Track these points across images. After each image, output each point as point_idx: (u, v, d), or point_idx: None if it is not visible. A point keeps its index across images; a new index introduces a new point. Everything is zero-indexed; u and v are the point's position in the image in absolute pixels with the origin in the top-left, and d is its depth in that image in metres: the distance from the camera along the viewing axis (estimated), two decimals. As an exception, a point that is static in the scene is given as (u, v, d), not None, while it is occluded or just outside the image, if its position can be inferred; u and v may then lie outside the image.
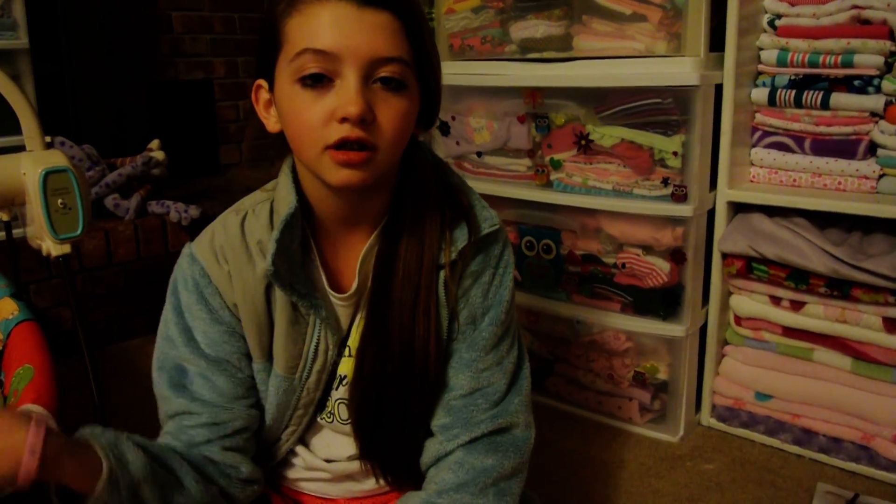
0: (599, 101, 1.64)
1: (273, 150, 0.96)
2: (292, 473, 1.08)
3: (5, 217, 1.58)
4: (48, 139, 1.54)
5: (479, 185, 1.84)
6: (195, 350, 0.95)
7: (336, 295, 0.97)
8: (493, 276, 0.99)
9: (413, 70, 0.85)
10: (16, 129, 1.57)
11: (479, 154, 1.89)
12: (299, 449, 1.06)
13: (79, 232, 1.46)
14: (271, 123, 0.91)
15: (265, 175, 1.02)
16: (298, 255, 0.94)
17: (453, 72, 1.91)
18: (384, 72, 0.82)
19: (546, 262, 1.81)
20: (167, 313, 0.98)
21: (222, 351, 0.95)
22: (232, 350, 0.96)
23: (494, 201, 1.84)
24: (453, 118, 1.91)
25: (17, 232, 1.79)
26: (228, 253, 0.94)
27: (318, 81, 0.81)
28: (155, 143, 2.57)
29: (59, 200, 1.43)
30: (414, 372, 0.95)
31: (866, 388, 1.54)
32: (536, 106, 1.73)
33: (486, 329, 0.98)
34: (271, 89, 0.88)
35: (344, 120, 0.80)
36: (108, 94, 2.74)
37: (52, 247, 1.44)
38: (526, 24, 1.76)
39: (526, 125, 1.77)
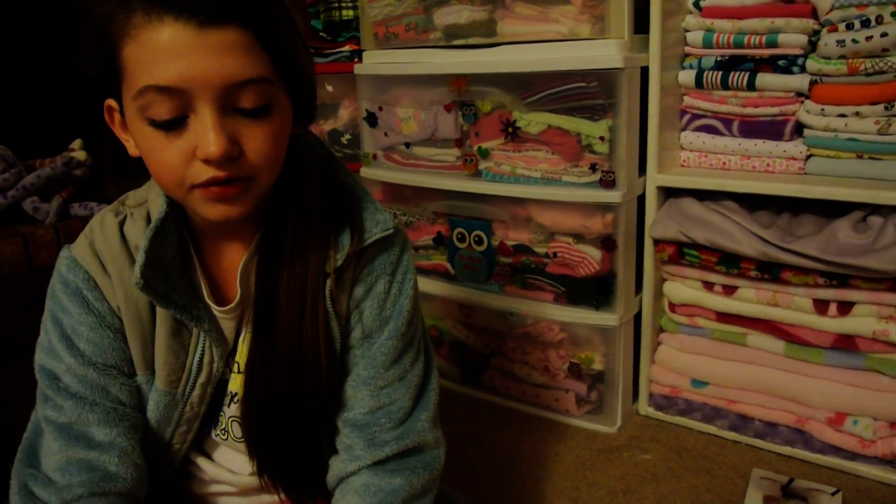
0: (525, 86, 1.60)
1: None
2: (199, 488, 1.02)
3: None
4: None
5: (408, 177, 1.80)
6: (79, 357, 0.89)
7: (217, 308, 0.91)
8: (389, 285, 0.94)
9: (278, 81, 0.78)
10: None
11: (407, 145, 1.83)
12: (201, 461, 1.00)
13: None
14: (130, 147, 0.83)
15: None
16: (177, 262, 0.88)
17: (378, 61, 1.85)
18: (244, 100, 0.74)
19: (478, 254, 1.76)
20: (46, 323, 0.91)
21: (111, 358, 0.89)
22: (121, 358, 0.90)
23: (424, 192, 1.81)
24: (381, 109, 1.85)
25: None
26: (108, 258, 0.88)
27: (170, 119, 0.73)
28: (77, 143, 2.45)
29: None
30: (306, 386, 0.89)
31: (799, 371, 1.52)
32: (462, 94, 1.68)
33: (385, 343, 0.93)
34: (122, 113, 0.80)
35: (207, 161, 0.74)
36: (28, 92, 2.62)
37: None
38: (449, 10, 1.71)
39: (453, 114, 1.72)
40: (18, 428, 1.40)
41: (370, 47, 1.89)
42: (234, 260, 0.92)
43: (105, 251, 0.88)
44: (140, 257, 0.83)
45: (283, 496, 0.98)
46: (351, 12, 1.98)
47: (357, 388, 0.93)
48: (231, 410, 0.96)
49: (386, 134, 1.86)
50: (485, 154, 1.69)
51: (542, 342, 1.71)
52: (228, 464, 1.00)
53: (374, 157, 1.91)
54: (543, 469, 1.55)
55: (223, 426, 0.97)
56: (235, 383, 0.95)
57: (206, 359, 0.91)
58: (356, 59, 1.95)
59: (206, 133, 0.73)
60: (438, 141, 1.78)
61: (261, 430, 0.92)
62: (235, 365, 0.95)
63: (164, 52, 0.71)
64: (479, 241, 1.75)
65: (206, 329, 0.89)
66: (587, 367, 1.68)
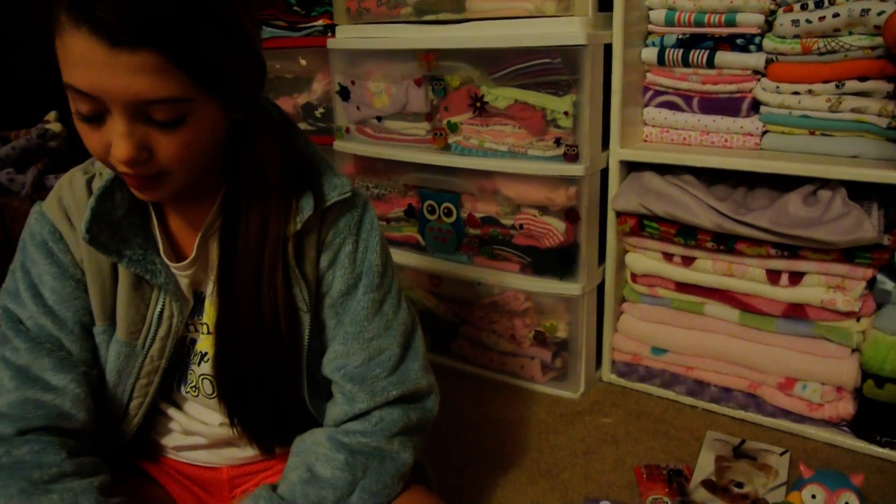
0: (492, 62, 1.64)
1: None
2: (170, 441, 1.07)
3: None
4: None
5: (380, 150, 1.84)
6: (42, 307, 0.94)
7: (174, 264, 0.96)
8: (355, 244, 0.99)
9: (199, 94, 0.78)
10: None
11: (378, 119, 1.87)
12: (173, 412, 1.05)
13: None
14: None
15: None
16: (134, 219, 0.93)
17: (351, 35, 1.88)
18: (155, 114, 0.76)
19: (447, 226, 1.81)
20: (15, 270, 0.97)
21: (71, 307, 0.95)
22: (82, 307, 0.95)
23: (396, 166, 1.85)
24: (353, 83, 1.89)
25: None
26: (74, 212, 0.93)
27: (91, 115, 0.77)
28: (52, 115, 2.47)
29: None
30: (266, 348, 0.94)
31: (753, 338, 1.59)
32: (432, 68, 1.72)
33: (363, 299, 0.99)
34: None
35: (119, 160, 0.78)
36: (1, 64, 2.62)
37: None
38: (421, -14, 1.74)
39: (423, 88, 1.76)
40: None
41: (343, 22, 1.91)
42: (194, 220, 0.96)
43: (72, 206, 0.93)
44: (86, 213, 0.88)
45: (255, 448, 1.03)
46: (324, -14, 2.00)
47: (346, 343, 0.98)
48: (202, 369, 1.00)
49: (358, 108, 1.90)
50: (454, 128, 1.73)
51: (508, 311, 1.77)
52: (200, 416, 1.04)
53: (347, 130, 1.94)
54: (508, 432, 1.61)
55: (193, 383, 1.02)
56: (204, 343, 1.00)
57: (167, 313, 0.96)
58: (329, 34, 1.97)
59: (116, 138, 0.77)
60: (409, 115, 1.82)
61: (230, 386, 0.97)
62: (204, 326, 1.00)
63: (79, 60, 0.72)
64: (449, 213, 1.80)
65: (160, 283, 0.94)
66: (552, 336, 1.74)
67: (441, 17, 1.72)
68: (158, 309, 0.96)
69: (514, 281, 1.74)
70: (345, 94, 1.91)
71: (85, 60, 0.72)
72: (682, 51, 1.59)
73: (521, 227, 1.70)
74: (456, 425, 1.63)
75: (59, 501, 0.85)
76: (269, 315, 0.93)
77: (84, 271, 0.95)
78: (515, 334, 1.77)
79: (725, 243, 1.53)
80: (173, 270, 0.96)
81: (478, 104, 1.67)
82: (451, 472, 1.45)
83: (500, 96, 1.63)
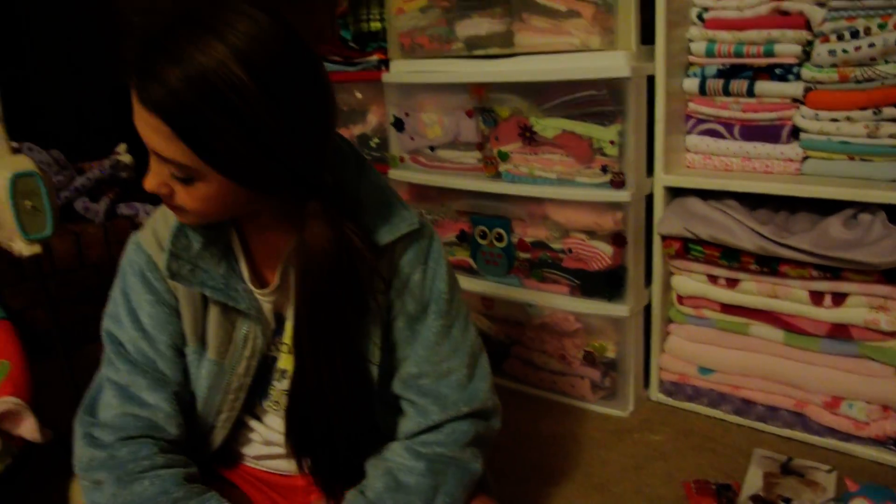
0: (540, 94, 1.73)
1: None
2: (251, 450, 1.16)
3: (-26, 222, 1.64)
4: (16, 145, 1.60)
5: (433, 178, 1.94)
6: (140, 331, 1.04)
7: (257, 290, 1.04)
8: (423, 273, 1.06)
9: (201, 166, 0.85)
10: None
11: (431, 148, 1.97)
12: (254, 424, 1.14)
13: (47, 232, 1.52)
14: None
15: None
16: (214, 251, 1.02)
17: (403, 70, 1.99)
18: (169, 168, 0.87)
19: (498, 250, 1.89)
20: (116, 296, 1.07)
21: (165, 331, 1.04)
22: (175, 331, 1.05)
23: (448, 193, 1.94)
24: (406, 114, 1.99)
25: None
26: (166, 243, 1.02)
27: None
28: (122, 147, 2.62)
29: (28, 203, 1.49)
30: (345, 375, 1.01)
31: (798, 358, 1.63)
32: (482, 101, 1.81)
33: (433, 324, 1.06)
34: None
35: None
36: (73, 98, 2.79)
37: (23, 247, 1.51)
38: (470, 23, 1.84)
39: (474, 119, 1.85)
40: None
41: (397, 57, 2.02)
42: (274, 247, 1.05)
43: (165, 237, 1.02)
44: (164, 255, 0.99)
45: (304, 470, 1.08)
46: (379, 24, 2.12)
47: (419, 365, 1.06)
48: (282, 385, 1.10)
49: (412, 138, 2.00)
50: (504, 157, 1.82)
51: (558, 332, 1.84)
52: (279, 428, 1.13)
53: (402, 159, 2.04)
54: (559, 448, 1.68)
55: (274, 398, 1.11)
56: (285, 362, 1.09)
57: (251, 335, 1.05)
58: (383, 68, 2.08)
59: (149, 171, 0.89)
60: (461, 144, 1.92)
61: (301, 409, 1.04)
62: (285, 346, 1.09)
63: (132, 105, 0.84)
64: (500, 238, 1.88)
65: (243, 309, 1.03)
66: (601, 355, 1.81)
67: (490, 51, 1.82)
68: (244, 331, 1.05)
69: (563, 303, 1.81)
70: (399, 125, 2.01)
71: (134, 104, 0.84)
72: (722, 81, 1.66)
73: (570, 250, 1.78)
74: (509, 440, 1.70)
75: (150, 486, 0.95)
76: (347, 340, 1.00)
77: (177, 298, 1.04)
78: (565, 354, 1.84)
79: (769, 265, 1.58)
80: (256, 296, 1.05)
81: (527, 134, 1.76)
82: (506, 484, 1.52)
83: (549, 126, 1.72)
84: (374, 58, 2.12)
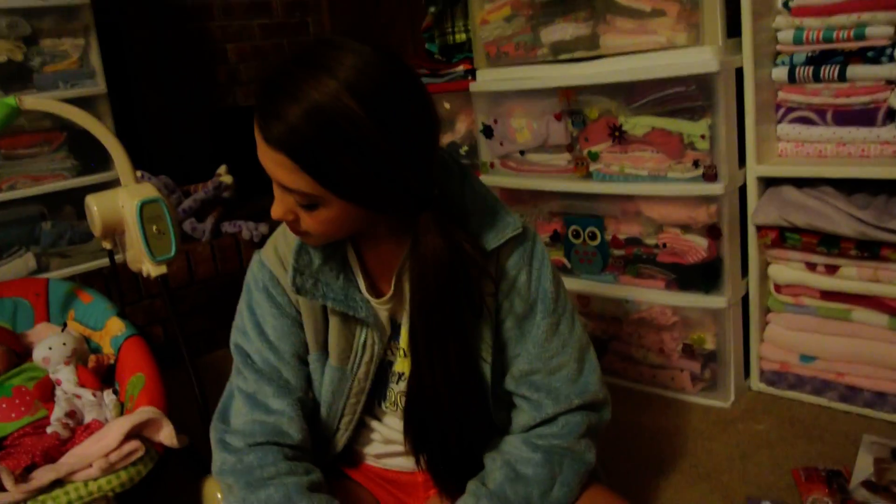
0: (629, 93, 1.76)
1: None
2: (373, 449, 1.23)
3: (108, 245, 1.78)
4: (138, 174, 1.74)
5: (524, 182, 1.99)
6: (266, 342, 1.13)
7: (374, 300, 1.12)
8: (529, 274, 1.12)
9: (324, 193, 0.93)
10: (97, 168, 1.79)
11: (521, 152, 2.03)
12: (375, 425, 1.21)
13: (172, 253, 1.65)
14: None
15: None
16: (333, 264, 1.10)
17: (491, 78, 2.05)
18: (294, 196, 0.95)
19: (592, 248, 1.94)
20: (242, 311, 1.17)
21: (289, 341, 1.13)
22: (298, 341, 1.14)
23: (539, 195, 2.00)
24: (495, 121, 2.05)
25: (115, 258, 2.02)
26: (289, 260, 1.09)
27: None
28: (223, 169, 2.77)
29: (154, 227, 1.62)
30: (460, 376, 1.07)
31: (904, 342, 1.62)
32: (571, 103, 1.86)
33: (541, 323, 1.12)
34: None
35: None
36: (176, 126, 2.97)
37: (151, 268, 1.63)
38: (555, 28, 1.89)
39: (563, 122, 1.90)
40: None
41: (483, 66, 2.09)
42: (388, 259, 1.12)
43: (286, 254, 1.11)
44: (289, 270, 1.07)
45: (422, 466, 1.15)
46: (464, 35, 2.19)
47: (530, 362, 1.11)
48: (399, 387, 1.17)
49: (501, 143, 2.06)
50: (594, 157, 1.86)
51: (655, 326, 1.87)
52: (398, 427, 1.19)
53: (492, 165, 2.11)
54: (664, 439, 1.71)
55: (392, 399, 1.18)
56: (402, 365, 1.16)
57: (369, 341, 1.13)
58: (470, 78, 2.15)
59: (274, 201, 0.98)
60: (550, 147, 1.97)
61: (418, 409, 1.11)
62: (401, 351, 1.16)
63: (257, 141, 0.93)
64: (593, 237, 1.92)
65: (363, 317, 1.10)
66: (699, 348, 1.83)
67: (576, 55, 1.86)
68: (363, 338, 1.13)
69: (660, 297, 1.84)
70: (488, 131, 2.08)
71: (258, 143, 0.93)
72: (812, 67, 1.66)
73: (664, 245, 1.81)
74: (614, 433, 1.74)
75: (274, 493, 1.03)
76: (461, 341, 1.06)
77: (299, 310, 1.13)
78: (664, 347, 1.87)
79: (870, 250, 1.58)
80: (373, 304, 1.12)
81: (616, 133, 1.80)
82: (615, 476, 1.56)
83: (638, 124, 1.75)
84: (461, 68, 2.19)
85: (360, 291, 1.11)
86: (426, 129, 0.98)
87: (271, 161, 0.92)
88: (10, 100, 1.60)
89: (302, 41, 3.47)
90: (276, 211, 0.98)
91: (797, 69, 1.68)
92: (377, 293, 1.13)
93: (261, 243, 2.58)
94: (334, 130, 0.88)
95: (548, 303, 1.12)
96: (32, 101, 1.64)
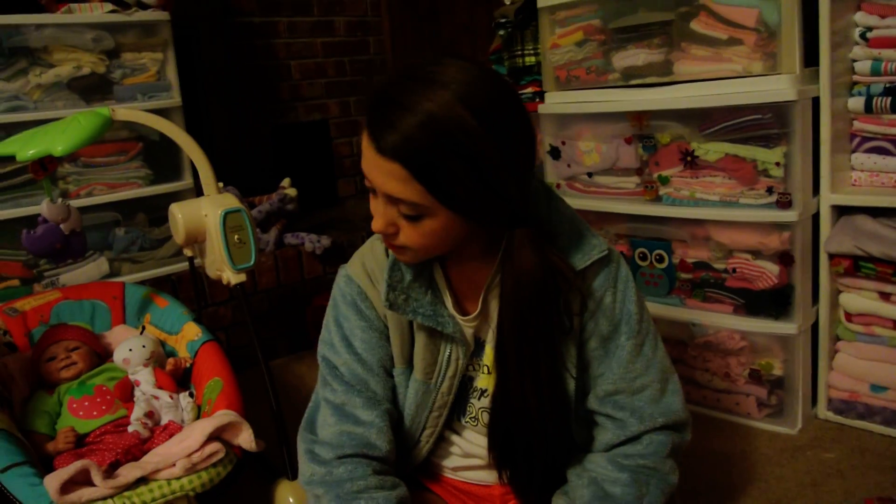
0: (702, 119, 1.78)
1: None
2: (451, 462, 1.25)
3: (189, 253, 1.84)
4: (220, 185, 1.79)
5: (590, 203, 2.01)
6: (354, 355, 1.15)
7: (460, 317, 1.14)
8: (614, 295, 1.12)
9: (434, 204, 0.95)
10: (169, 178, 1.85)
11: (589, 175, 2.05)
12: (455, 438, 1.22)
13: (252, 262, 1.69)
14: None
15: None
16: (423, 281, 1.12)
17: (560, 101, 2.08)
18: (400, 207, 0.97)
19: (659, 271, 1.95)
20: (329, 324, 1.19)
21: (376, 354, 1.15)
22: (385, 354, 1.16)
23: (606, 217, 2.02)
24: (563, 143, 2.08)
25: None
26: (378, 275, 1.13)
27: (371, 192, 1.01)
28: (287, 181, 2.83)
29: (236, 236, 1.67)
30: (548, 392, 1.08)
31: (980, 374, 1.61)
32: (642, 128, 1.88)
33: (625, 344, 1.12)
34: None
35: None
36: (241, 140, 3.04)
37: (231, 276, 1.68)
38: (627, 54, 1.92)
39: (633, 146, 1.92)
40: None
41: (551, 88, 2.12)
42: (475, 278, 1.14)
43: (375, 269, 1.14)
44: (383, 287, 1.09)
45: (504, 480, 1.17)
46: (533, 58, 2.23)
47: (615, 382, 1.12)
48: (481, 403, 1.18)
49: (569, 165, 2.09)
50: (665, 181, 1.88)
51: (722, 350, 1.87)
52: (477, 442, 1.22)
53: (558, 186, 2.13)
54: (732, 465, 1.71)
55: (473, 415, 1.19)
56: (485, 381, 1.17)
57: (454, 356, 1.14)
58: (538, 100, 2.18)
59: (375, 213, 1.00)
60: (619, 170, 1.99)
61: (502, 424, 1.13)
62: (484, 367, 1.17)
63: (364, 153, 0.97)
64: (661, 260, 1.94)
65: (450, 333, 1.12)
66: (767, 373, 1.83)
67: (648, 80, 1.89)
68: (447, 353, 1.14)
69: (728, 322, 1.84)
70: (555, 153, 2.11)
71: (366, 156, 0.97)
72: (890, 98, 1.67)
73: (734, 270, 1.81)
74: (683, 458, 1.74)
75: None
76: (549, 360, 1.08)
77: (386, 325, 1.15)
78: (730, 372, 1.87)
79: (947, 281, 1.58)
80: (459, 321, 1.14)
81: (688, 158, 1.81)
82: (685, 499, 1.56)
83: (711, 150, 1.77)
84: (529, 90, 2.22)
85: (446, 308, 1.14)
86: (527, 142, 1.00)
87: (382, 172, 0.95)
88: (104, 110, 1.67)
89: (362, 60, 3.54)
90: (377, 224, 1.01)
91: (874, 100, 1.69)
92: (462, 311, 1.15)
93: (323, 255, 2.64)
94: (449, 140, 0.91)
95: (632, 324, 1.13)
96: (124, 113, 1.70)
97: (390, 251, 1.12)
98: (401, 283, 1.10)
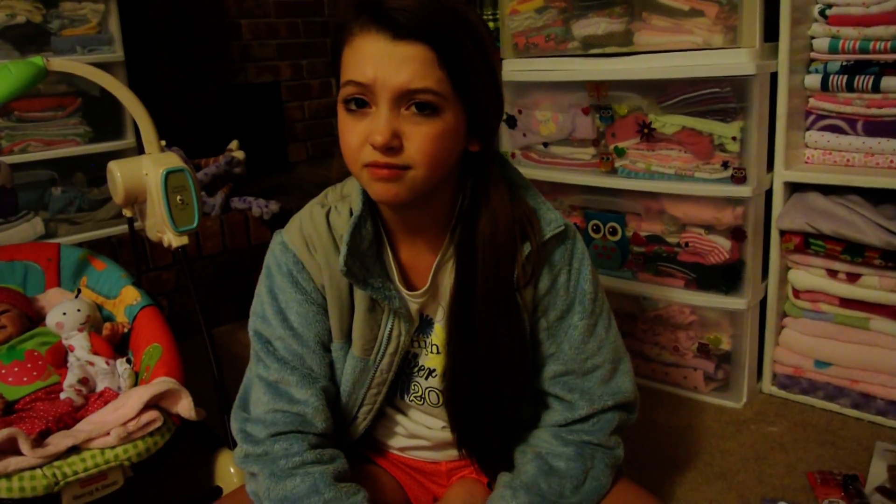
0: (661, 91, 1.76)
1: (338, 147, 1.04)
2: (397, 442, 1.22)
3: (129, 213, 1.75)
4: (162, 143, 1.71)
5: (545, 174, 1.99)
6: (289, 329, 1.09)
7: (407, 291, 1.09)
8: (568, 274, 1.09)
9: (451, 95, 0.92)
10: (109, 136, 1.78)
11: (545, 144, 2.02)
12: (399, 418, 1.19)
13: (195, 224, 1.62)
14: None
15: (327, 171, 1.16)
16: (373, 251, 1.06)
17: (518, 68, 2.04)
18: (416, 97, 0.90)
19: (612, 244, 1.94)
20: (262, 295, 1.11)
21: (313, 329, 1.09)
22: (322, 329, 1.09)
23: (561, 188, 1.99)
24: (520, 111, 2.04)
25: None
26: (317, 242, 1.07)
27: (359, 106, 0.93)
28: (234, 144, 2.75)
29: (178, 197, 1.60)
30: (502, 367, 1.06)
31: (921, 353, 1.64)
32: (600, 98, 1.86)
33: (578, 324, 1.09)
34: None
35: (373, 146, 0.92)
36: (188, 99, 2.93)
37: (172, 238, 1.61)
38: (588, 22, 1.88)
39: (590, 116, 1.90)
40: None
41: (510, 56, 2.08)
42: (422, 255, 1.10)
43: (314, 237, 1.08)
44: (343, 248, 1.02)
45: (473, 457, 1.15)
46: (492, 24, 2.18)
47: (566, 363, 1.10)
48: (428, 383, 1.14)
49: (524, 135, 2.05)
50: (621, 153, 1.86)
51: (672, 324, 1.87)
52: (423, 421, 1.19)
53: (513, 155, 2.10)
54: (678, 437, 1.71)
55: (419, 393, 1.15)
56: (433, 361, 1.13)
57: (395, 333, 1.09)
58: (496, 68, 2.14)
59: (378, 123, 0.92)
60: (575, 141, 1.96)
61: (462, 404, 1.10)
62: (433, 347, 1.13)
63: (365, 56, 0.91)
64: (614, 232, 1.92)
65: (395, 307, 1.07)
66: (715, 348, 1.84)
67: (608, 50, 1.86)
68: (388, 329, 1.09)
69: (679, 296, 1.85)
70: (511, 122, 2.07)
71: (369, 56, 0.90)
72: (846, 76, 1.67)
73: (686, 244, 1.81)
74: (629, 431, 1.74)
75: (301, 483, 1.01)
76: (506, 341, 1.05)
77: (325, 297, 1.09)
78: (679, 346, 1.87)
79: (894, 260, 1.59)
80: (405, 295, 1.10)
81: (645, 130, 1.80)
82: (630, 471, 1.55)
83: (668, 123, 1.75)
84: (486, 56, 2.18)
85: (392, 282, 1.09)
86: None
87: (398, 60, 0.89)
88: (38, 59, 1.57)
89: (316, 21, 3.44)
90: (383, 134, 0.90)
91: (831, 77, 1.69)
92: (407, 285, 1.11)
93: (271, 221, 2.57)
94: (471, 29, 0.92)
95: (586, 303, 1.10)
96: (60, 63, 1.60)
97: (331, 217, 1.07)
98: (358, 249, 1.04)
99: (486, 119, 1.00)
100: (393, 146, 0.92)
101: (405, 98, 0.91)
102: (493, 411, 1.09)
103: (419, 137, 0.92)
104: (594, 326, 1.11)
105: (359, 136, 0.93)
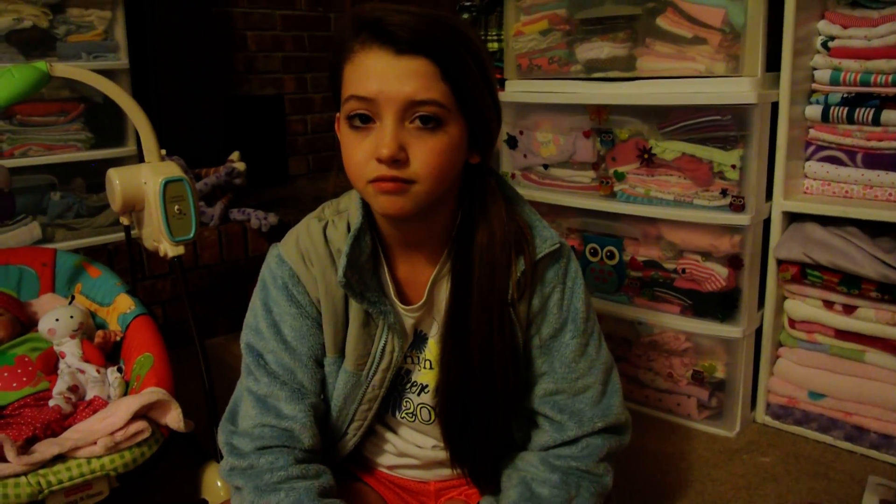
0: (662, 117, 1.77)
1: (337, 163, 1.05)
2: (386, 460, 1.20)
3: (126, 222, 1.75)
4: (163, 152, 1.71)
5: (544, 196, 1.99)
6: (282, 343, 1.08)
7: (403, 306, 1.09)
8: (562, 293, 1.09)
9: (454, 108, 0.93)
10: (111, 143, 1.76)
11: (545, 166, 2.02)
12: (389, 436, 1.18)
13: (191, 235, 1.62)
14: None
15: (326, 185, 1.16)
16: (370, 265, 1.06)
17: (521, 90, 2.05)
18: (419, 110, 0.91)
19: (609, 268, 1.93)
20: (257, 308, 1.11)
21: (306, 343, 1.08)
22: (316, 343, 1.09)
23: (560, 210, 1.99)
24: (521, 133, 2.05)
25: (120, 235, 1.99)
26: (313, 256, 1.06)
27: (363, 122, 0.93)
28: (235, 155, 2.75)
29: (176, 207, 1.60)
30: (495, 385, 1.05)
31: (916, 387, 1.63)
32: (602, 122, 1.86)
33: (570, 343, 1.09)
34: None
35: (380, 160, 0.92)
36: (191, 109, 2.94)
37: (168, 248, 1.61)
38: (591, 46, 1.89)
39: (591, 140, 1.90)
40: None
41: (513, 77, 2.09)
42: (418, 270, 1.09)
43: (310, 250, 1.07)
44: (343, 259, 1.02)
45: (465, 472, 1.13)
46: (496, 45, 2.19)
47: (556, 382, 1.09)
48: (420, 399, 1.13)
49: (525, 155, 2.06)
50: (620, 177, 1.86)
51: (667, 350, 1.86)
52: (413, 440, 1.18)
53: (513, 176, 2.10)
54: (669, 464, 1.70)
55: (410, 410, 1.14)
56: (426, 377, 1.12)
57: (388, 348, 1.08)
58: (498, 87, 2.14)
59: (383, 137, 0.92)
60: (575, 163, 1.96)
61: (454, 420, 1.09)
62: (427, 362, 1.12)
63: (368, 71, 0.92)
64: (611, 256, 1.92)
65: (390, 322, 1.07)
66: (709, 376, 1.83)
67: (610, 74, 1.86)
68: (382, 344, 1.08)
69: (674, 322, 1.84)
70: (512, 142, 2.07)
71: (372, 71, 0.91)
72: (846, 108, 1.67)
73: (683, 271, 1.81)
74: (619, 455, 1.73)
75: (285, 498, 0.99)
76: (499, 357, 1.05)
77: (320, 311, 1.08)
78: (673, 373, 1.86)
79: (890, 293, 1.59)
80: (399, 309, 1.09)
81: (645, 156, 1.80)
82: (621, 498, 1.55)
83: (669, 149, 1.76)
84: (489, 77, 2.18)
85: (387, 297, 1.08)
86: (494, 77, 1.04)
87: (402, 74, 0.90)
88: (41, 64, 1.58)
89: (321, 36, 3.46)
90: (389, 147, 0.91)
91: (832, 109, 1.69)
92: (401, 300, 1.10)
93: (269, 233, 2.57)
94: (463, 36, 0.93)
95: (578, 322, 1.09)
96: (63, 69, 1.61)
97: (328, 231, 1.07)
98: (357, 262, 1.04)
99: (487, 131, 1.00)
100: (399, 159, 0.92)
101: (410, 111, 0.91)
102: (485, 427, 1.08)
103: (424, 152, 0.93)
104: (585, 346, 1.10)
105: (364, 151, 0.94)
